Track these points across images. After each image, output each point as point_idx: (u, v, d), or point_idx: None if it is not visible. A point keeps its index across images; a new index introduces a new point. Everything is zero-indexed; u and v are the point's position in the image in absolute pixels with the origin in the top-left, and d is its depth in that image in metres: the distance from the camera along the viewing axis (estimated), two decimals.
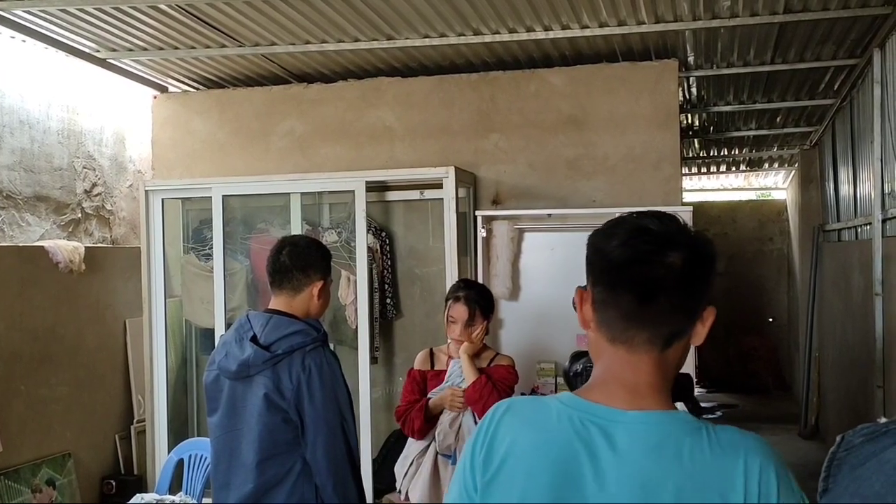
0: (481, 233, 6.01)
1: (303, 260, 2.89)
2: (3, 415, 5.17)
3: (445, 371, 3.98)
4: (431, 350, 4.16)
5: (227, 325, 6.14)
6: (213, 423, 2.85)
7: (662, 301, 1.41)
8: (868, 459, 0.86)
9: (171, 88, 7.04)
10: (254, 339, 2.73)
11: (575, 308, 1.53)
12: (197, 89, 7.03)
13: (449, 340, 4.02)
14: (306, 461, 2.69)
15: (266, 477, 2.69)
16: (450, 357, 4.01)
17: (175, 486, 5.37)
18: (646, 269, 1.40)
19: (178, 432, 6.26)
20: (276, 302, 2.90)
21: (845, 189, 7.87)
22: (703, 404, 6.56)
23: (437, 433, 3.85)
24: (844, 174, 7.91)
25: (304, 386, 2.67)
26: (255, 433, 2.69)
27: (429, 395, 3.93)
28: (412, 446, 3.96)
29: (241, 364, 2.71)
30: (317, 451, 2.68)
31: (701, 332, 1.48)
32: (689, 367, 5.62)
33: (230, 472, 2.77)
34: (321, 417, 2.67)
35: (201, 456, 4.97)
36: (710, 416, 9.65)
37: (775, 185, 12.77)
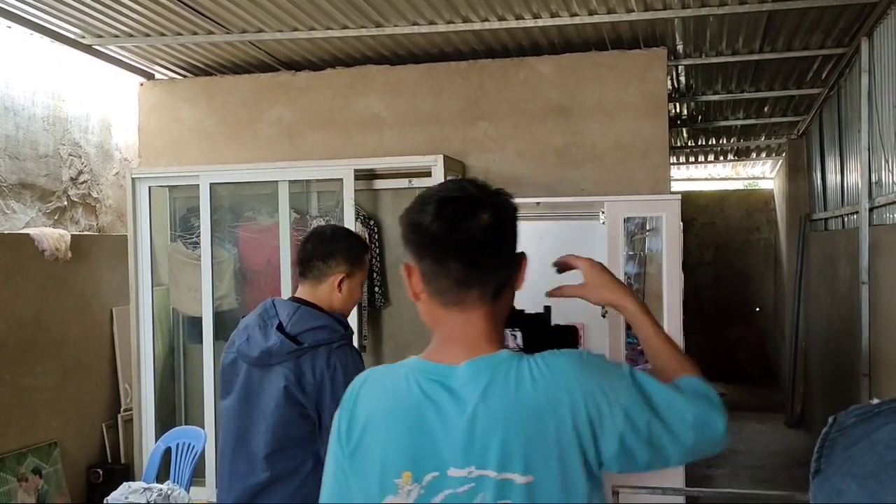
0: None
1: (325, 248, 2.80)
2: None
3: None
4: None
5: (215, 314, 6.14)
6: (225, 406, 2.80)
7: (486, 260, 1.58)
8: (860, 440, 0.86)
9: (157, 75, 6.99)
10: (280, 328, 2.66)
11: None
12: (184, 76, 6.98)
13: None
14: (318, 460, 2.58)
15: (275, 470, 2.63)
16: None
17: (163, 475, 5.36)
18: (464, 235, 1.54)
19: (165, 421, 6.24)
20: (301, 291, 2.83)
21: (832, 178, 7.90)
22: None
23: None
24: (832, 163, 7.94)
25: (327, 382, 2.59)
26: (268, 423, 2.63)
27: None
28: None
29: (263, 352, 2.65)
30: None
31: (522, 277, 1.68)
32: None
33: (237, 460, 2.72)
34: None
35: (189, 444, 4.96)
36: None
37: (763, 174, 12.80)
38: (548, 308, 2.20)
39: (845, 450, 0.87)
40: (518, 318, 1.95)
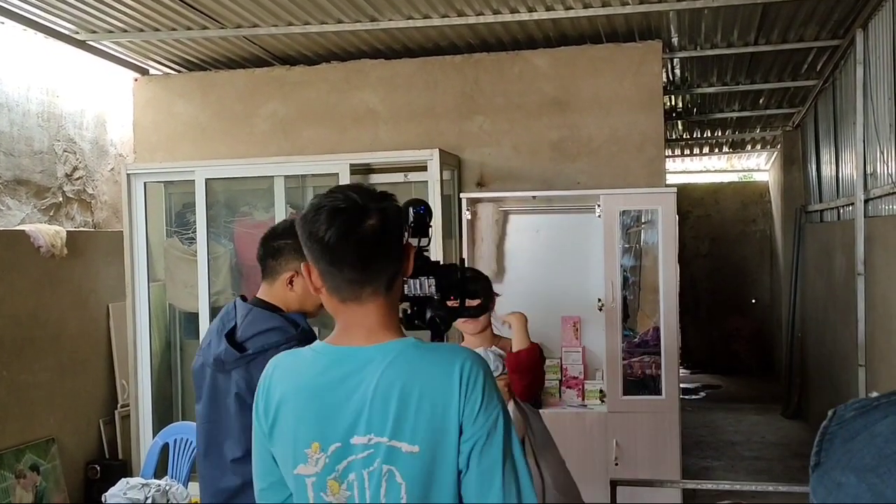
0: (466, 215, 6.00)
1: (274, 245, 2.66)
2: None
3: None
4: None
5: (212, 309, 6.13)
6: (198, 411, 2.76)
7: (376, 263, 1.74)
8: (860, 433, 0.87)
9: (152, 71, 6.97)
10: (231, 332, 2.60)
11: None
12: (178, 72, 6.96)
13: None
14: None
15: (242, 477, 2.50)
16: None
17: (160, 471, 5.36)
18: (355, 242, 1.70)
19: (162, 417, 6.24)
20: (261, 290, 2.73)
21: (828, 170, 7.91)
22: (686, 385, 6.62)
23: None
24: (827, 155, 7.95)
25: None
26: (233, 430, 2.57)
27: None
28: None
29: (215, 359, 2.60)
30: None
31: (409, 265, 1.82)
32: (672, 349, 5.66)
33: (209, 464, 2.67)
34: None
35: (187, 440, 4.96)
36: (694, 397, 9.73)
37: (758, 166, 12.81)
38: (462, 260, 2.48)
39: (844, 443, 0.88)
40: (433, 268, 2.06)
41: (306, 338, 2.55)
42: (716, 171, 13.26)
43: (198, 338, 6.16)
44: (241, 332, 2.58)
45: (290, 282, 2.62)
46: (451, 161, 6.21)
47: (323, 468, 1.71)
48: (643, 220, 6.41)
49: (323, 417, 1.72)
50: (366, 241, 1.71)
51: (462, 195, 6.09)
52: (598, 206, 5.77)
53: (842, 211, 7.25)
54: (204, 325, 6.11)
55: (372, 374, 1.70)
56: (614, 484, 3.35)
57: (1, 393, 5.31)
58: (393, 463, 1.66)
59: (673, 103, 8.67)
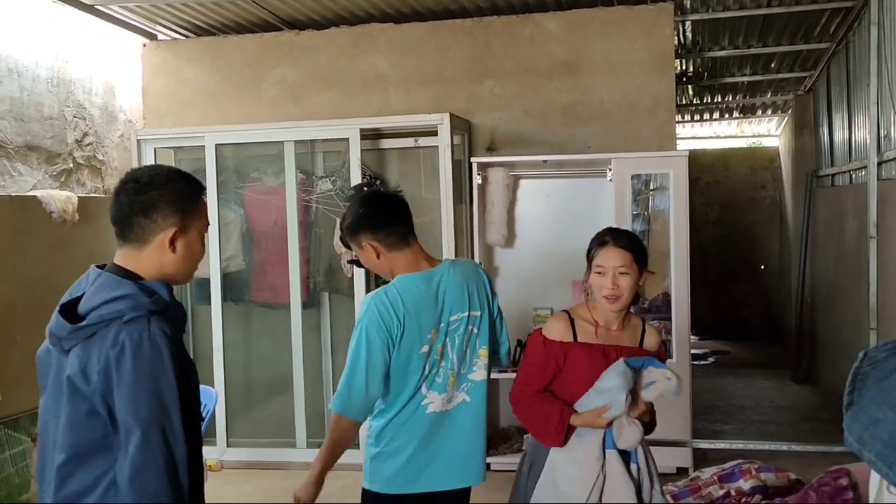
0: (477, 179, 5.98)
1: (146, 200, 2.14)
2: (1, 365, 5.18)
3: (595, 345, 2.95)
4: (569, 314, 3.06)
5: (223, 275, 6.15)
6: (41, 405, 2.22)
7: (409, 220, 3.03)
8: (893, 372, 0.87)
9: (160, 36, 6.94)
10: (66, 305, 2.11)
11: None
12: (187, 37, 6.93)
13: (595, 298, 3.02)
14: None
15: (69, 485, 2.03)
16: (597, 325, 3.00)
17: None
18: (404, 207, 3.07)
19: None
20: (120, 256, 2.20)
21: (840, 134, 7.86)
22: (695, 351, 6.66)
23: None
24: (839, 119, 7.89)
25: (112, 368, 1.98)
26: (58, 426, 2.05)
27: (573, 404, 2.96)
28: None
29: (51, 335, 2.11)
30: (125, 460, 1.97)
31: None
32: (683, 314, 5.65)
33: (44, 469, 2.14)
34: (131, 411, 1.97)
35: (202, 403, 4.99)
36: (703, 363, 9.75)
37: (768, 132, 12.72)
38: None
39: (878, 382, 0.88)
40: None
41: (165, 309, 2.11)
42: (725, 137, 13.18)
43: (209, 303, 6.20)
44: (84, 302, 2.09)
45: (173, 242, 2.16)
46: (461, 126, 6.19)
47: (436, 340, 2.90)
48: (652, 187, 6.40)
49: (434, 313, 2.90)
50: (405, 205, 3.02)
51: (473, 160, 6.07)
52: (610, 169, 5.75)
53: (854, 175, 7.21)
54: (215, 291, 6.13)
55: (445, 282, 2.95)
56: None
57: (15, 358, 5.35)
58: (472, 323, 2.98)
59: (683, 67, 8.59)
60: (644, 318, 3.20)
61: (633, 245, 3.03)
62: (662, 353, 3.08)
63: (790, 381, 8.80)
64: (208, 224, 2.28)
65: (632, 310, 3.07)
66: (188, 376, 2.10)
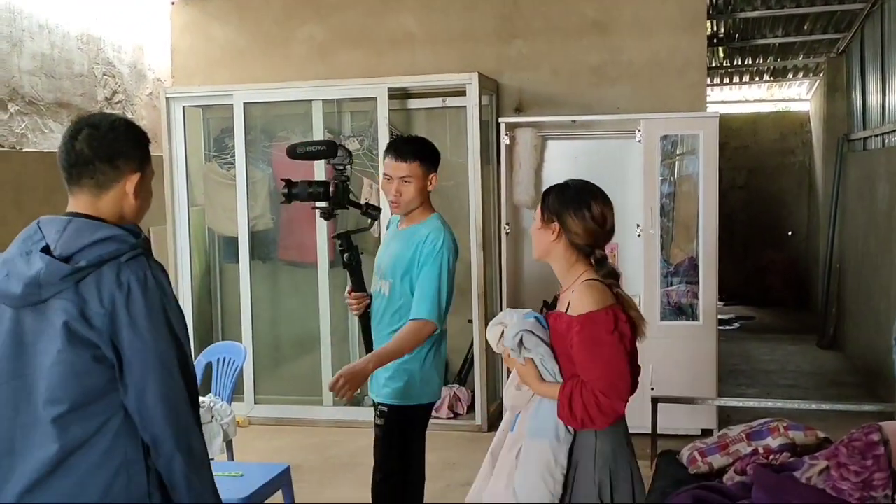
0: (504, 140, 5.96)
1: (109, 147, 2.09)
2: None
3: None
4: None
5: (251, 234, 6.19)
6: None
7: None
8: None
9: None
10: (46, 251, 1.99)
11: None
12: None
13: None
14: (126, 414, 1.99)
15: (69, 437, 1.96)
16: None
17: (203, 389, 5.47)
18: None
19: (203, 339, 6.35)
20: (76, 203, 2.12)
21: (873, 97, 7.74)
22: (720, 316, 6.61)
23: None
24: (872, 82, 7.77)
25: (121, 309, 1.95)
26: (52, 378, 1.97)
27: None
28: None
29: (27, 284, 1.98)
30: (146, 397, 1.96)
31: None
32: (711, 278, 5.62)
33: (15, 434, 2.02)
34: (150, 350, 1.97)
35: (230, 359, 5.05)
36: (728, 328, 9.72)
37: (798, 96, 12.54)
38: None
39: None
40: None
41: (148, 246, 2.11)
42: (755, 101, 13.01)
43: (237, 261, 6.24)
44: (60, 247, 2.00)
45: (136, 189, 2.11)
46: (489, 86, 6.15)
47: None
48: (679, 151, 6.33)
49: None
50: None
51: (501, 119, 6.04)
52: (639, 130, 5.70)
53: (887, 138, 7.11)
54: (243, 249, 6.17)
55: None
56: (655, 401, 3.39)
57: None
58: None
59: (714, 29, 8.47)
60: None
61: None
62: (572, 322, 2.50)
63: (816, 347, 8.76)
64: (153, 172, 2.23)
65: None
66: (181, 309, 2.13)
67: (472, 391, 5.91)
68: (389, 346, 3.09)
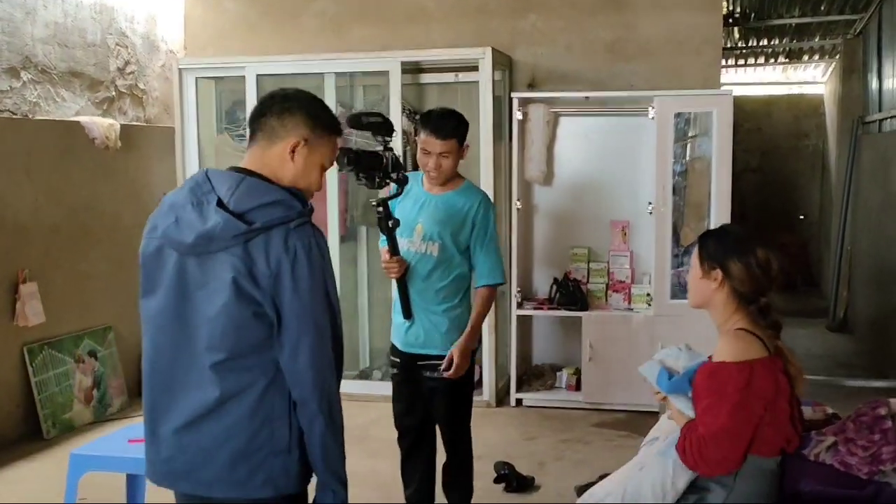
0: (517, 115, 5.93)
1: (284, 104, 2.21)
2: (46, 286, 5.29)
3: None
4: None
5: None
6: (150, 307, 2.19)
7: None
8: None
9: None
10: (220, 205, 2.08)
11: None
12: None
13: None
14: (278, 370, 2.11)
15: (227, 385, 2.09)
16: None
17: None
18: None
19: None
20: (247, 160, 2.22)
21: (890, 80, 7.67)
22: None
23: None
24: (890, 64, 7.69)
25: (286, 272, 2.06)
26: (215, 327, 2.08)
27: None
28: None
29: (200, 236, 2.06)
30: (298, 358, 2.08)
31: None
32: None
33: (177, 373, 2.15)
34: (308, 314, 2.08)
35: None
36: None
37: (813, 78, 12.44)
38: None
39: None
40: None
41: (310, 216, 2.17)
42: (769, 84, 12.91)
43: None
44: (234, 203, 2.08)
45: (293, 150, 2.19)
46: (502, 61, 6.12)
47: None
48: (692, 133, 6.29)
49: None
50: None
51: (513, 94, 6.01)
52: (652, 107, 5.67)
53: None
54: None
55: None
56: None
57: (59, 280, 5.46)
58: None
59: (731, 8, 8.40)
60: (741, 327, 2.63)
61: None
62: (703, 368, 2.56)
63: (826, 330, 8.74)
64: (332, 163, 2.32)
65: None
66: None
67: (481, 367, 5.92)
68: (476, 314, 3.48)
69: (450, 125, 3.39)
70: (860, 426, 2.57)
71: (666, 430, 2.64)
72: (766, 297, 2.45)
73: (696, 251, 2.57)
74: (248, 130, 2.27)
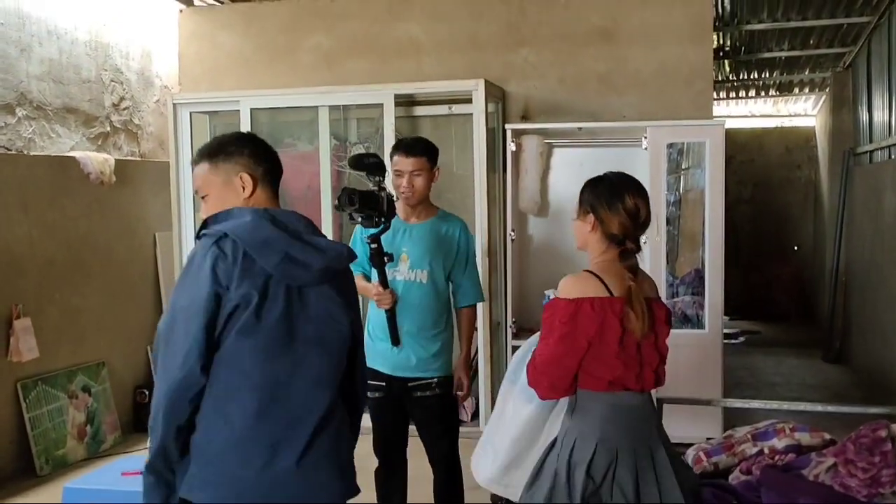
0: (511, 146, 5.96)
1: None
2: (39, 321, 5.27)
3: None
4: None
5: None
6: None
7: None
8: None
9: (196, 2, 6.97)
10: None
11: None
12: (222, 3, 6.96)
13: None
14: None
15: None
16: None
17: None
18: None
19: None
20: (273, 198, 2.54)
21: (879, 111, 7.74)
22: (725, 331, 6.60)
23: None
24: (879, 96, 7.76)
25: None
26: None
27: None
28: None
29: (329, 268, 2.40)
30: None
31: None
32: (716, 288, 5.60)
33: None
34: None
35: None
36: (733, 342, 9.68)
37: (804, 111, 12.55)
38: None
39: None
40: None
41: (223, 236, 2.29)
42: (760, 116, 13.02)
43: None
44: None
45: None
46: (495, 93, 6.16)
47: None
48: (684, 166, 6.33)
49: None
50: None
51: (507, 126, 6.05)
52: (645, 137, 5.71)
53: (894, 150, 7.10)
54: None
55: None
56: (660, 402, 3.37)
57: (54, 315, 5.43)
58: None
59: (720, 42, 8.49)
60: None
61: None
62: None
63: (821, 361, 8.72)
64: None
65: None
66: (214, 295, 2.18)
67: (477, 399, 5.88)
68: (467, 337, 3.72)
69: (419, 145, 3.61)
70: (860, 448, 2.56)
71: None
72: (631, 242, 2.59)
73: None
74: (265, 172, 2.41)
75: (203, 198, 2.36)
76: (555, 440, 2.61)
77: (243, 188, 2.30)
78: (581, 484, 2.40)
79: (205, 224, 2.28)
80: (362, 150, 6.27)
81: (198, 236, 2.26)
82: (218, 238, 2.18)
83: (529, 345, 2.83)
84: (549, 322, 2.52)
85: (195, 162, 2.39)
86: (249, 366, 2.16)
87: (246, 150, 2.35)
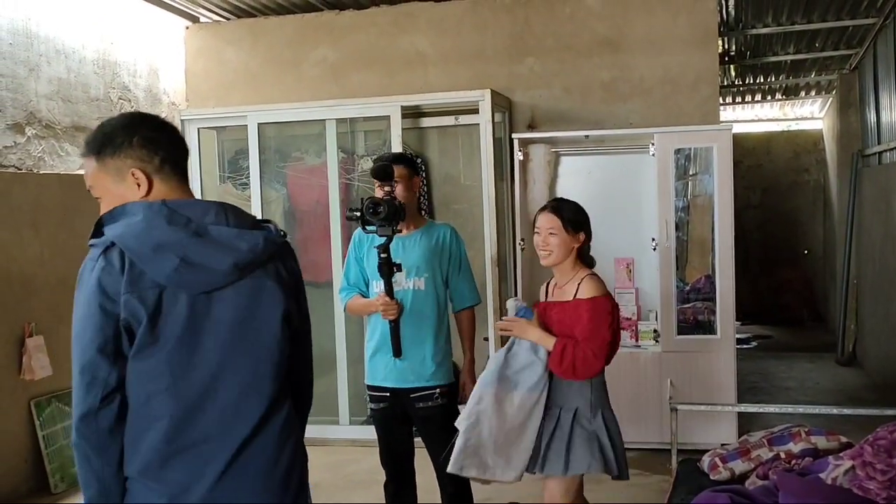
0: (518, 156, 5.97)
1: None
2: (52, 339, 5.28)
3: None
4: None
5: None
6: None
7: None
8: None
9: (202, 19, 7.01)
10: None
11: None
12: (228, 19, 6.99)
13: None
14: None
15: None
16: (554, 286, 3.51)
17: None
18: None
19: None
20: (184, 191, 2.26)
21: (887, 113, 7.72)
22: (737, 335, 6.61)
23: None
24: (886, 97, 7.75)
25: None
26: None
27: None
28: None
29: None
30: None
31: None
32: (728, 295, 5.57)
33: None
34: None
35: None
36: (745, 346, 9.65)
37: (811, 114, 12.52)
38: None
39: None
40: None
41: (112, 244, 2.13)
42: (767, 120, 13.00)
43: None
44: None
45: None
46: (502, 103, 6.18)
47: None
48: (692, 172, 6.32)
49: None
50: None
51: (514, 135, 6.05)
52: (652, 144, 5.70)
53: None
54: None
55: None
56: (675, 409, 3.36)
57: (66, 333, 5.42)
58: None
59: (726, 46, 8.49)
60: (591, 273, 3.38)
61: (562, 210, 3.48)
62: (581, 303, 3.24)
63: (834, 364, 8.68)
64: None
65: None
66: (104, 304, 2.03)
67: None
68: (469, 339, 3.82)
69: (399, 157, 3.91)
70: (878, 450, 2.54)
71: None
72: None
73: (552, 219, 3.27)
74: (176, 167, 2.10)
75: (97, 198, 2.10)
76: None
77: (138, 185, 2.02)
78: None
79: (100, 223, 2.03)
80: (370, 163, 6.29)
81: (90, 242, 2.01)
82: (106, 248, 1.98)
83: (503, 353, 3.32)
84: (601, 315, 3.13)
85: (83, 154, 2.12)
86: (152, 391, 1.94)
87: (135, 139, 2.01)
